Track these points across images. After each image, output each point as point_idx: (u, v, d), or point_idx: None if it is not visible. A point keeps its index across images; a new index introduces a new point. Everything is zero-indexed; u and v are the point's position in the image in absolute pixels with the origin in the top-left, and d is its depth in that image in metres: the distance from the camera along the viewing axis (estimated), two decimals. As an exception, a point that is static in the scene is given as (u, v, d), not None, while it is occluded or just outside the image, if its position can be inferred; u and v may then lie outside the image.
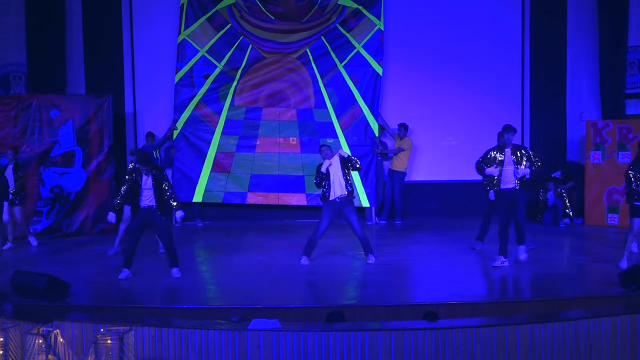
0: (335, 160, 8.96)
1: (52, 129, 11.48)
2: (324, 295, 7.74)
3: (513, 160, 8.59)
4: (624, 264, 8.41)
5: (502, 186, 8.66)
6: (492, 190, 9.00)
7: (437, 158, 13.09)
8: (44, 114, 11.45)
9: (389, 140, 12.93)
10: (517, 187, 8.63)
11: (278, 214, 12.95)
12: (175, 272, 8.37)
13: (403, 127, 12.48)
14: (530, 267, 8.61)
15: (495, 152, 8.69)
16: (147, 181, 8.20)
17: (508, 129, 8.60)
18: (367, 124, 12.46)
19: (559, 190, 12.18)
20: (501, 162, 8.63)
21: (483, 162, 8.79)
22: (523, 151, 8.71)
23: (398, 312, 6.95)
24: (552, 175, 12.33)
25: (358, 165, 9.06)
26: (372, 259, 9.03)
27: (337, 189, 8.91)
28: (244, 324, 6.19)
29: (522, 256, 8.77)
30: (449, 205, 13.02)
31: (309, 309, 7.02)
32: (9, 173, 10.26)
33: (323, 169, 8.94)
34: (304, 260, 9.03)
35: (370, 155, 12.40)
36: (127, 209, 9.81)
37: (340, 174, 8.91)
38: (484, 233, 9.78)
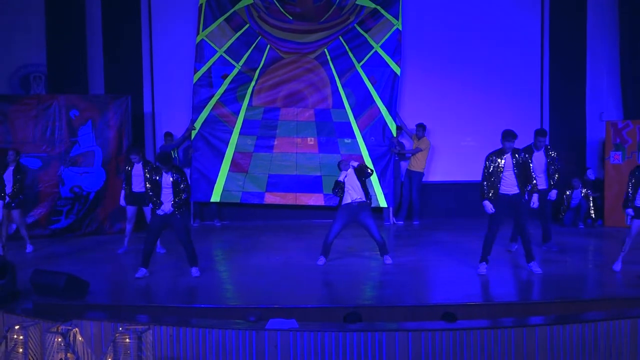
0: (351, 172, 9.12)
1: (72, 129, 11.57)
2: (341, 296, 7.72)
3: (513, 164, 8.21)
4: (617, 267, 8.32)
5: (502, 191, 8.25)
6: (487, 200, 8.28)
7: (455, 158, 13.04)
8: (63, 114, 11.54)
9: (407, 141, 12.89)
10: (519, 193, 8.27)
11: (295, 214, 12.95)
12: (194, 271, 8.40)
13: (421, 127, 12.44)
14: (549, 268, 8.53)
15: (495, 155, 8.28)
16: (166, 180, 8.24)
17: (508, 135, 8.14)
18: (385, 124, 12.43)
19: (588, 192, 12.04)
20: (500, 169, 8.21)
21: (486, 176, 8.28)
22: (525, 156, 8.33)
23: (415, 312, 6.92)
24: (587, 178, 12.20)
25: (369, 171, 9.20)
26: (388, 260, 9.02)
27: (354, 194, 8.95)
28: (261, 324, 6.20)
29: (536, 270, 8.36)
30: (466, 205, 12.94)
31: (326, 309, 7.01)
32: (8, 174, 9.98)
33: (340, 178, 9.10)
34: (320, 261, 9.03)
35: (388, 155, 12.37)
36: (130, 210, 9.96)
37: (356, 182, 9.03)
38: (517, 233, 9.61)
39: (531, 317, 6.70)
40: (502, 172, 8.22)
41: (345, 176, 9.11)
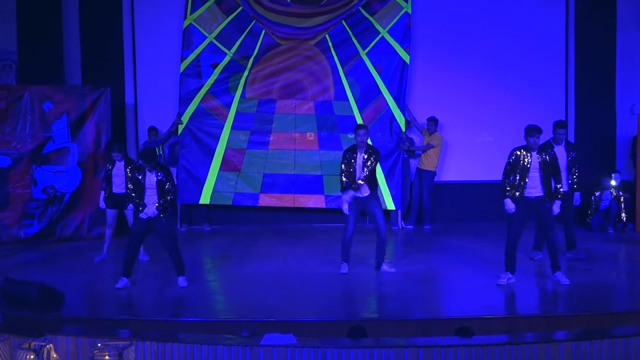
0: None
1: (45, 123, 11.57)
2: (344, 308, 7.71)
3: (539, 163, 8.17)
4: None
5: (526, 193, 8.18)
6: (508, 199, 8.22)
7: (470, 156, 13.04)
8: (36, 107, 11.54)
9: (417, 136, 12.89)
10: (543, 195, 8.23)
11: (293, 217, 12.97)
12: (181, 281, 8.40)
13: (433, 121, 12.44)
14: (575, 278, 8.51)
15: (521, 151, 8.21)
16: (150, 179, 8.23)
17: (532, 130, 8.08)
18: (393, 117, 12.44)
19: (619, 192, 12.02)
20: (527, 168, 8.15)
21: (508, 172, 8.27)
22: (553, 154, 8.30)
23: (427, 327, 6.91)
24: (615, 177, 12.19)
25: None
26: (389, 268, 9.01)
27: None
28: (255, 339, 6.18)
29: (564, 280, 8.30)
30: (483, 208, 12.95)
31: (328, 323, 7.00)
32: None
33: (344, 210, 8.92)
34: (344, 268, 9.03)
35: (396, 152, 12.37)
36: (110, 214, 9.95)
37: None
38: (541, 239, 9.63)
39: (555, 332, 6.69)
40: (528, 171, 8.14)
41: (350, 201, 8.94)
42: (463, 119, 13.02)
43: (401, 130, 12.43)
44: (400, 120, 12.42)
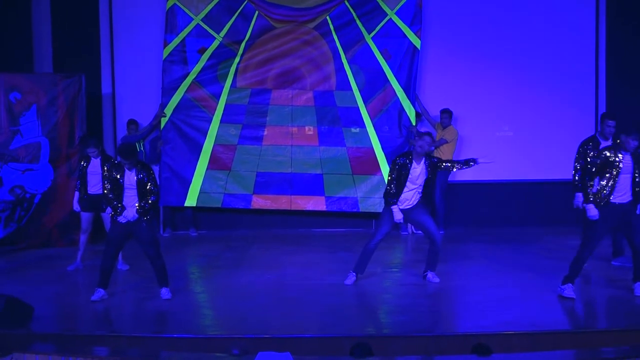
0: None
1: (12, 115, 11.57)
2: (347, 323, 7.71)
3: (632, 164, 7.92)
4: None
5: (614, 199, 7.95)
6: (591, 205, 7.95)
7: (488, 152, 12.91)
8: (1, 98, 11.54)
9: (429, 130, 12.89)
10: (632, 200, 8.03)
11: (290, 221, 12.98)
12: (164, 292, 8.39)
13: (447, 113, 12.44)
14: (614, 288, 8.52)
15: (609, 152, 7.95)
16: (130, 179, 8.22)
17: (635, 132, 7.78)
18: (402, 109, 12.44)
19: None
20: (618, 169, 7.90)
21: (592, 167, 7.97)
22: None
23: (439, 344, 6.92)
24: None
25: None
26: (434, 278, 9.06)
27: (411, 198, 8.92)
28: (248, 358, 6.18)
29: None
30: (503, 211, 12.97)
31: (329, 340, 7.00)
32: None
33: (396, 219, 8.89)
34: (350, 279, 9.03)
35: (406, 149, 12.36)
36: (85, 217, 9.95)
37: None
38: (619, 245, 9.56)
39: (588, 350, 6.68)
40: (619, 173, 7.89)
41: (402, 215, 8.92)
42: (480, 112, 13.02)
43: (411, 123, 12.43)
44: (410, 112, 12.42)
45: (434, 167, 8.83)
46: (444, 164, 8.96)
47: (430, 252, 9.12)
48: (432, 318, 7.75)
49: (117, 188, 8.26)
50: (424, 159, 8.76)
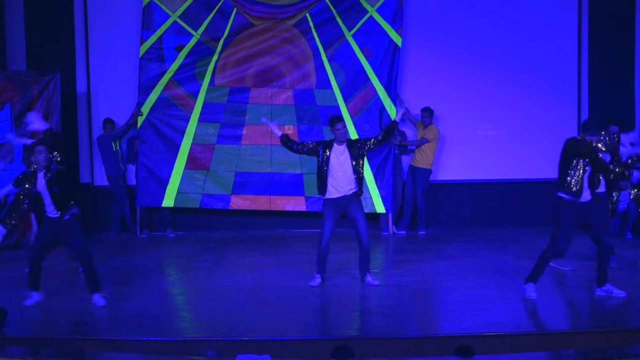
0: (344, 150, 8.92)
1: (-16, 114, 11.52)
2: (328, 325, 7.73)
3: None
4: None
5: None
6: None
7: (470, 151, 13.09)
8: (-27, 96, 11.49)
9: (410, 130, 12.93)
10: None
11: (270, 222, 12.98)
12: (97, 299, 8.21)
13: (428, 112, 12.47)
14: (587, 290, 8.58)
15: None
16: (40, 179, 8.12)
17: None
18: (383, 108, 12.47)
19: (639, 194, 12.06)
20: None
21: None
22: None
23: (422, 345, 6.93)
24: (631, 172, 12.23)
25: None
26: (373, 280, 9.03)
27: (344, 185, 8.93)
28: (225, 361, 6.19)
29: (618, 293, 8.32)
30: (485, 211, 13.02)
31: (309, 342, 7.01)
32: None
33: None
34: (315, 281, 9.04)
35: (387, 148, 12.39)
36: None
37: (349, 168, 8.92)
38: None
39: (565, 351, 6.74)
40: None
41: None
42: (462, 110, 13.07)
43: (393, 120, 12.42)
44: (391, 111, 12.43)
45: (356, 148, 8.83)
46: (365, 141, 8.96)
47: (360, 255, 9.09)
48: (413, 319, 7.76)
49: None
50: (345, 144, 8.84)
